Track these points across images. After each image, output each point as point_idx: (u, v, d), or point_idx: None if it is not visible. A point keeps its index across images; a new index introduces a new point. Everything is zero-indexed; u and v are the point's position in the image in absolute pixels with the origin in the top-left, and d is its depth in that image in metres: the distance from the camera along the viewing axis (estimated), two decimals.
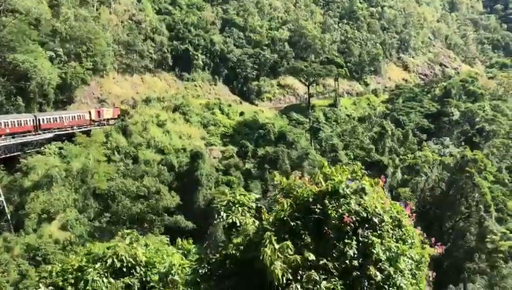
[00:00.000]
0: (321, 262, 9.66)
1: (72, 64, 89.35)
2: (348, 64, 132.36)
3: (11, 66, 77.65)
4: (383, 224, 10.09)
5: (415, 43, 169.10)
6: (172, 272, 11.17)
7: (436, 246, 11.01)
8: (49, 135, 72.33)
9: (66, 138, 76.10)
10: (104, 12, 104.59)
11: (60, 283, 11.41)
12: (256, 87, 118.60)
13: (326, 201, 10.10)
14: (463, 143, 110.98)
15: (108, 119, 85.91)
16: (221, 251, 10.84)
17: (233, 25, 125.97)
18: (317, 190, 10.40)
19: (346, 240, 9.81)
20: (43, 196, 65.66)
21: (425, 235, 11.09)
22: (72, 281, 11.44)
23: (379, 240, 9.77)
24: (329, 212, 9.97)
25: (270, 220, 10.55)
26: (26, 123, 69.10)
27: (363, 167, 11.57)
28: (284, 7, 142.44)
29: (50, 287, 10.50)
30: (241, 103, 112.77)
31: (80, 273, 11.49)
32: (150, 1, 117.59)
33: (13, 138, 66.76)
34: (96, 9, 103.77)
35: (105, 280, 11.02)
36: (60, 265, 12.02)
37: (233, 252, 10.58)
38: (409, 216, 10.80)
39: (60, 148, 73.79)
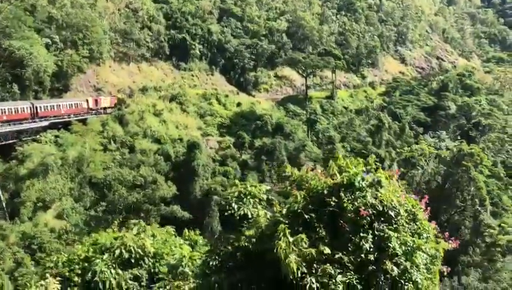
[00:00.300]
0: (336, 256, 9.48)
1: (68, 51, 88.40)
2: (346, 56, 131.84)
3: (6, 52, 76.70)
4: (398, 218, 9.91)
5: (413, 36, 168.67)
6: (182, 264, 10.96)
7: (450, 241, 10.85)
8: (45, 123, 71.68)
9: (62, 126, 75.53)
10: None
11: (67, 274, 11.17)
12: (253, 78, 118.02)
13: (342, 194, 9.90)
14: (459, 137, 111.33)
15: (105, 108, 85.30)
16: (233, 242, 10.65)
17: (231, 14, 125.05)
18: (332, 182, 10.19)
19: (361, 234, 9.63)
20: (38, 184, 65.28)
21: (438, 230, 10.93)
22: (79, 271, 11.21)
23: (395, 234, 9.60)
24: (345, 205, 9.78)
25: (283, 212, 10.33)
26: (23, 111, 68.45)
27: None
28: None
29: (58, 278, 10.29)
30: (238, 93, 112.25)
31: (86, 264, 11.27)
32: None
33: (9, 125, 66.18)
34: None
35: (113, 271, 10.79)
36: (65, 255, 11.78)
37: (246, 244, 10.38)
38: (424, 210, 10.63)
39: (56, 136, 73.28)
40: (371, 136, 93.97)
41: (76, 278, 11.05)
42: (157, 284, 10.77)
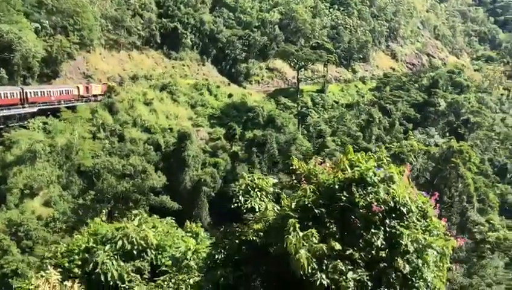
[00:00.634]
0: (347, 252, 9.28)
1: (58, 37, 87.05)
2: (337, 50, 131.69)
3: None
4: (410, 214, 9.73)
5: (404, 32, 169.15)
6: (187, 257, 10.69)
7: (457, 239, 10.72)
8: (34, 109, 70.49)
9: (51, 112, 74.39)
10: None
11: (66, 264, 10.84)
12: (244, 69, 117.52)
13: (354, 189, 9.68)
14: (447, 134, 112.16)
15: (96, 96, 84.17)
16: (239, 236, 10.40)
17: (223, 5, 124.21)
18: (343, 176, 9.96)
19: (373, 230, 9.43)
20: (26, 171, 64.29)
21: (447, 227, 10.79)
22: (79, 262, 10.88)
23: (407, 231, 9.42)
24: (357, 200, 9.55)
25: (292, 206, 10.09)
26: (13, 96, 67.15)
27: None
28: None
29: (59, 269, 9.94)
30: (229, 84, 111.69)
31: (87, 255, 10.94)
32: None
33: None
34: None
35: (115, 262, 10.48)
36: (65, 245, 11.43)
37: (253, 238, 10.15)
38: (434, 207, 10.47)
39: (45, 123, 72.21)
40: (362, 131, 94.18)
41: (76, 270, 10.72)
42: (161, 278, 10.50)
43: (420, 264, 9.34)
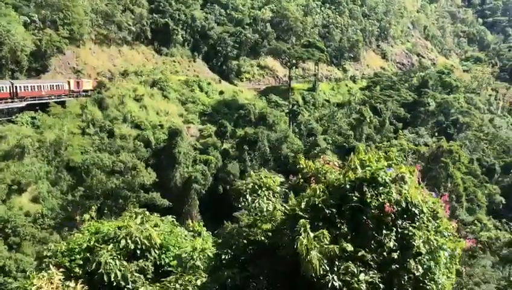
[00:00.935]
0: (359, 253, 9.10)
1: (48, 31, 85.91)
2: (328, 49, 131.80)
3: None
4: (421, 215, 9.58)
5: (395, 32, 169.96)
6: (194, 257, 10.43)
7: (467, 240, 10.62)
8: (22, 104, 69.46)
9: (39, 107, 73.37)
10: None
11: (67, 264, 10.51)
12: (235, 66, 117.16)
13: (366, 189, 9.49)
14: (436, 134, 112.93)
15: (87, 91, 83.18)
16: (247, 236, 10.17)
17: (215, 1, 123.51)
18: (354, 176, 9.77)
19: (385, 231, 9.27)
20: (14, 167, 63.38)
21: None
22: (81, 262, 10.56)
23: (420, 232, 9.27)
24: (369, 200, 9.37)
25: (302, 206, 9.87)
26: (2, 90, 66.08)
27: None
28: None
29: (61, 269, 9.63)
30: (220, 81, 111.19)
31: (88, 254, 10.62)
32: None
33: None
34: None
35: (118, 262, 10.18)
36: (65, 244, 11.09)
37: (262, 238, 9.93)
38: (444, 207, 10.34)
39: (33, 118, 71.26)
40: (353, 130, 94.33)
41: (77, 269, 10.40)
42: (168, 279, 10.22)
43: (433, 266, 9.21)
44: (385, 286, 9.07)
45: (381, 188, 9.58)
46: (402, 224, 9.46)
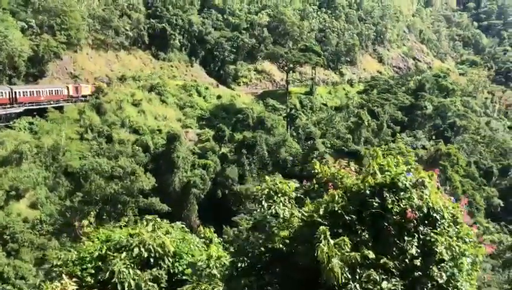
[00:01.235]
0: (381, 261, 8.90)
1: (45, 36, 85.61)
2: (325, 53, 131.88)
3: None
4: (443, 221, 9.40)
5: (391, 36, 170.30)
6: (210, 265, 10.18)
7: (487, 246, 10.45)
8: (20, 109, 69.06)
9: (37, 112, 72.98)
10: None
11: (78, 273, 10.25)
12: (233, 71, 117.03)
13: (386, 194, 9.30)
14: (434, 137, 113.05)
15: (86, 96, 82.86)
16: (265, 243, 9.95)
17: (212, 6, 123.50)
18: (373, 181, 9.57)
19: (407, 238, 9.08)
20: (12, 172, 62.96)
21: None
22: (92, 271, 10.29)
23: (442, 239, 9.08)
24: (390, 206, 9.18)
25: (320, 212, 9.67)
26: (2, 95, 65.68)
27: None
28: None
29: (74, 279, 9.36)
30: (217, 86, 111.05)
31: (100, 263, 10.36)
32: None
33: None
34: None
35: (131, 271, 9.92)
36: (76, 253, 10.82)
37: (280, 246, 9.72)
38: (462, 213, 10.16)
39: (31, 123, 70.88)
40: (351, 133, 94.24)
41: (89, 279, 10.14)
42: (184, 288, 9.97)
43: (456, 273, 9.02)
44: None
45: (402, 193, 9.40)
46: (424, 230, 9.28)
